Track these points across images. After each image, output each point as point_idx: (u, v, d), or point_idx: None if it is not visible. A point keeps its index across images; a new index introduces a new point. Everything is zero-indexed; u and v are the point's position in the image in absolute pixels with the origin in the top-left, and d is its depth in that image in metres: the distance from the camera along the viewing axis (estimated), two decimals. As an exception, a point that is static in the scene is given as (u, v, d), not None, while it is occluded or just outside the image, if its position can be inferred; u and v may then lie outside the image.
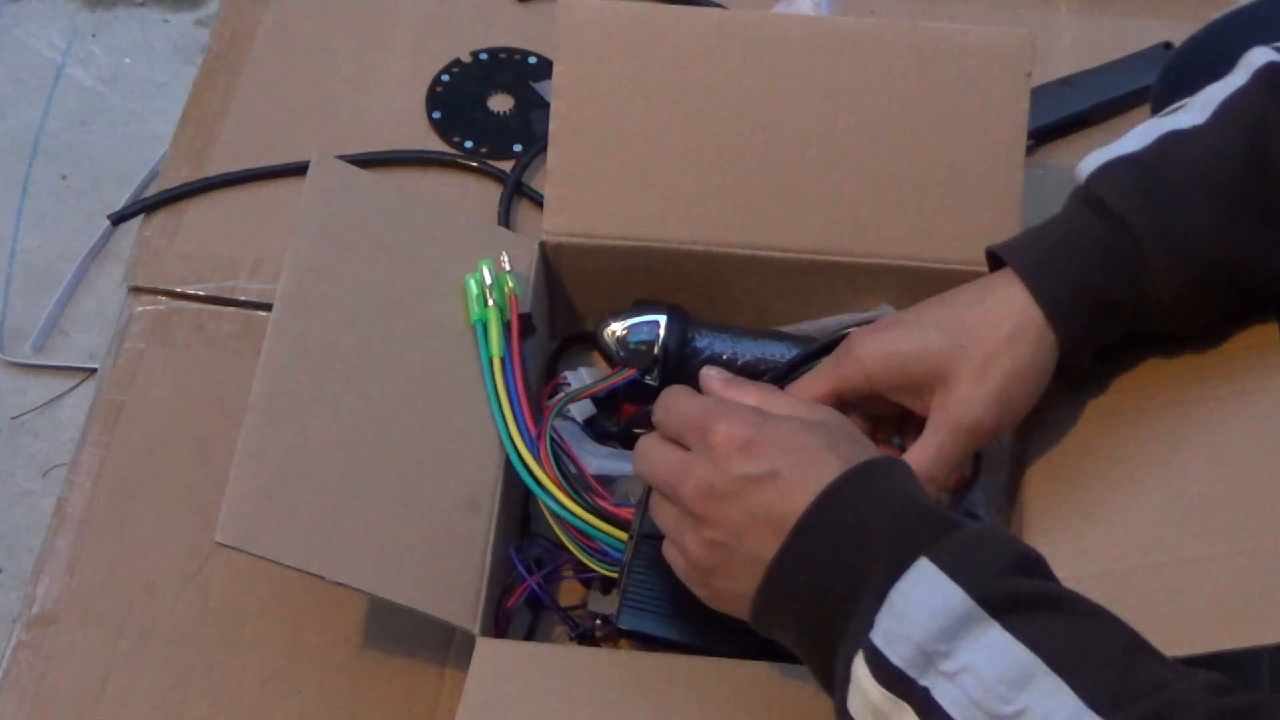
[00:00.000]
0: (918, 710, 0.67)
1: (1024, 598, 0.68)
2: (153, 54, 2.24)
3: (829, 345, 0.97)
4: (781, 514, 0.73)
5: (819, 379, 0.88)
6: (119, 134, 2.14)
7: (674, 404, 0.79)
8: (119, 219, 1.19)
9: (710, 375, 0.83)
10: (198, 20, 2.27)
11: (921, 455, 0.85)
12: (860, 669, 0.69)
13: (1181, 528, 0.82)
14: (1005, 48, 0.99)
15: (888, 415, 0.89)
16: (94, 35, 2.26)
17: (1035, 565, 0.71)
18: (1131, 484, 0.86)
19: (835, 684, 0.71)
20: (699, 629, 0.85)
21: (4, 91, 2.19)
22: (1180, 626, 0.77)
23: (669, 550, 0.80)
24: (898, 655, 0.68)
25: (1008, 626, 0.67)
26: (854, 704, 0.70)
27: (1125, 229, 0.84)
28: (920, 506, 0.72)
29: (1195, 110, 0.87)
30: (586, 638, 0.91)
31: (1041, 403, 0.90)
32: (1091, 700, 0.65)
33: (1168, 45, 1.18)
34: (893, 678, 0.68)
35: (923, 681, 0.67)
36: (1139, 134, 0.88)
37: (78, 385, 1.92)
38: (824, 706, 0.80)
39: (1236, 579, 0.78)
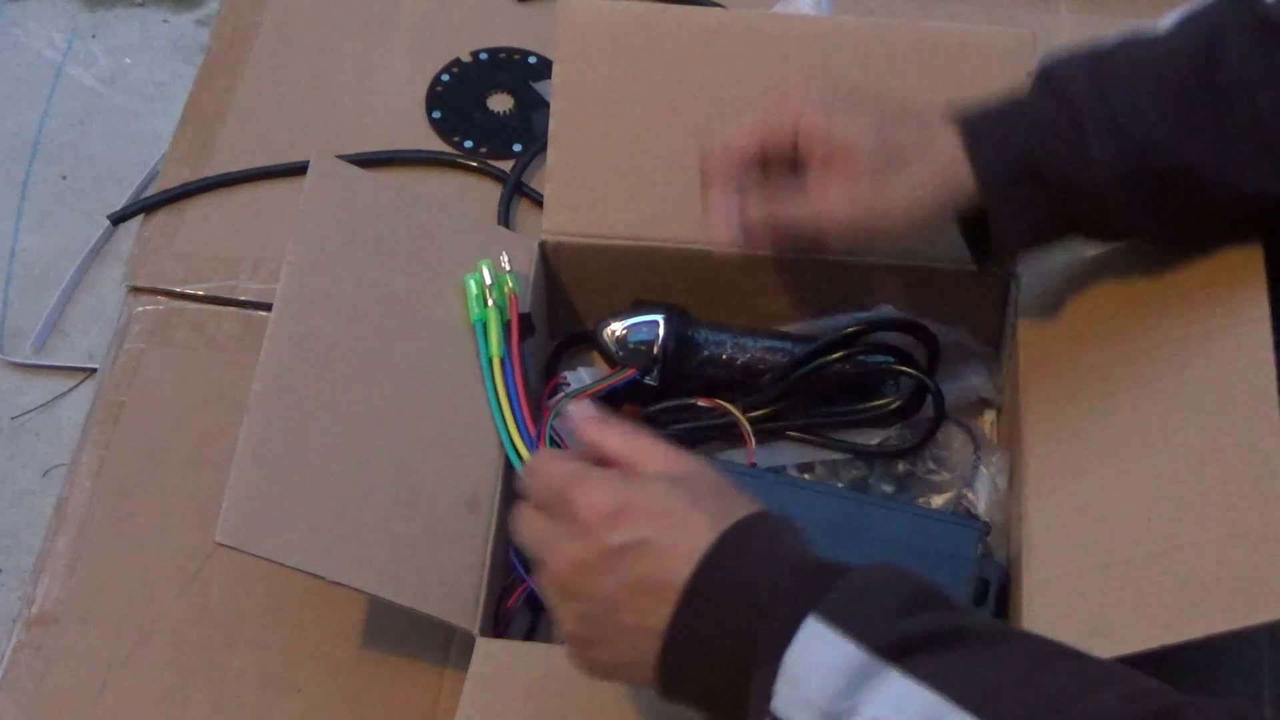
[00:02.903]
0: None
1: (918, 638, 0.65)
2: (153, 54, 2.24)
3: (829, 345, 0.97)
4: (659, 581, 0.69)
5: (753, 119, 0.87)
6: (119, 134, 2.14)
7: (538, 470, 0.75)
8: (119, 219, 1.19)
9: (573, 413, 0.78)
10: (198, 20, 2.27)
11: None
12: None
13: (1174, 516, 0.82)
14: (1005, 48, 0.99)
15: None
16: (94, 35, 2.26)
17: (927, 599, 0.68)
18: (1125, 473, 0.86)
19: None
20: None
21: (4, 91, 2.20)
22: (1178, 614, 0.78)
23: (556, 627, 0.76)
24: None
25: (907, 671, 0.64)
26: None
27: (1064, 98, 0.84)
28: (799, 560, 0.69)
29: (1164, 22, 0.88)
30: (586, 638, 0.91)
31: (1038, 397, 0.90)
32: None
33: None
34: None
35: None
36: (1107, 38, 0.88)
37: (78, 385, 1.92)
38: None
39: (1228, 563, 0.79)
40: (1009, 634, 0.67)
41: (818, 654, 0.65)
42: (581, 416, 0.77)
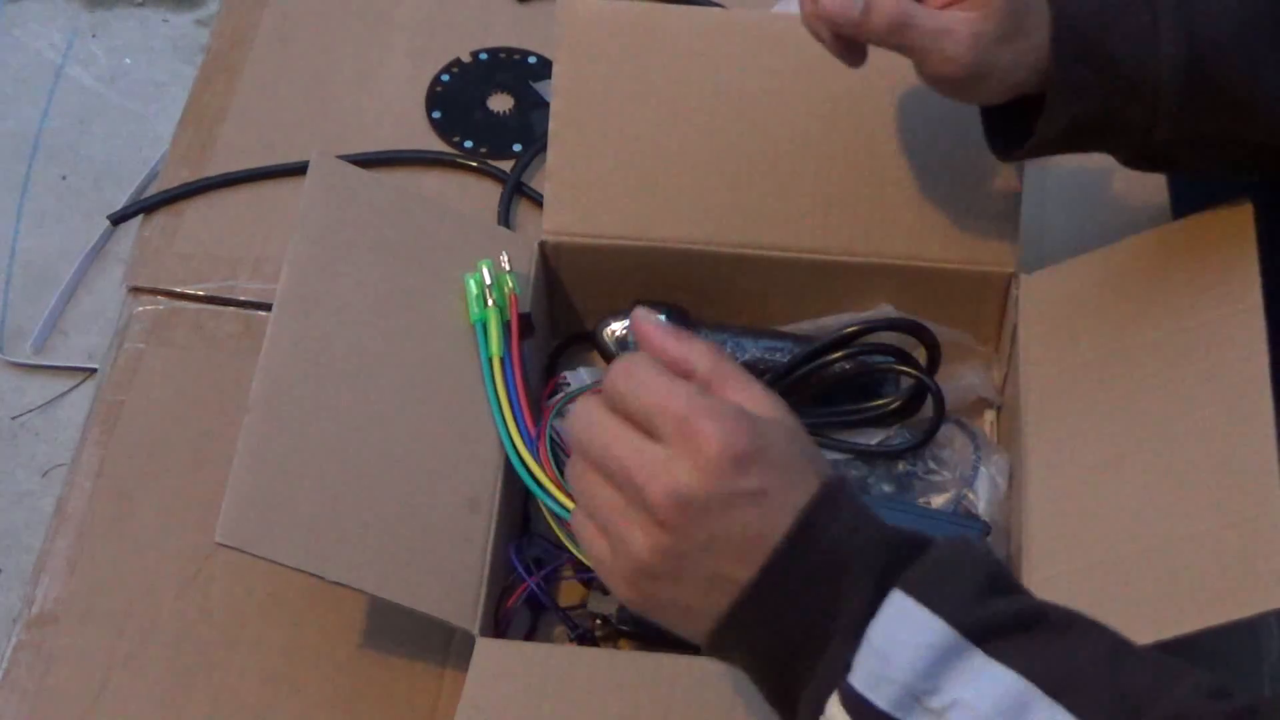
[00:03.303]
0: None
1: (1004, 620, 0.64)
2: (153, 54, 2.24)
3: (829, 345, 0.97)
4: (757, 535, 0.66)
5: None
6: (119, 134, 2.14)
7: (644, 381, 0.68)
8: (119, 219, 1.19)
9: (644, 320, 0.72)
10: (198, 20, 2.27)
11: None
12: (836, 712, 0.64)
13: (1171, 507, 0.82)
14: (1005, 48, 0.99)
15: None
16: (94, 35, 2.26)
17: (1006, 579, 0.67)
18: (1124, 470, 0.86)
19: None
20: (699, 629, 0.85)
21: (4, 91, 2.20)
22: (1178, 606, 0.78)
23: (586, 528, 0.70)
24: (884, 698, 0.63)
25: (993, 654, 0.63)
26: None
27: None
28: (885, 530, 0.67)
29: None
30: (586, 638, 0.91)
31: (1038, 397, 0.90)
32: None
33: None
34: None
35: None
36: None
37: (78, 385, 1.92)
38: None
39: (1225, 553, 0.79)
40: (1084, 621, 0.66)
41: (904, 630, 0.64)
42: (650, 323, 0.71)
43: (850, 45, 0.88)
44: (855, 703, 0.64)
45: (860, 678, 0.64)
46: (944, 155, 0.98)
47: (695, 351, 0.70)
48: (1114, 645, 0.65)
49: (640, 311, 0.72)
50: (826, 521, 0.66)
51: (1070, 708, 0.62)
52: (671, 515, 0.66)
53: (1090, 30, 0.84)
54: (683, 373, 0.69)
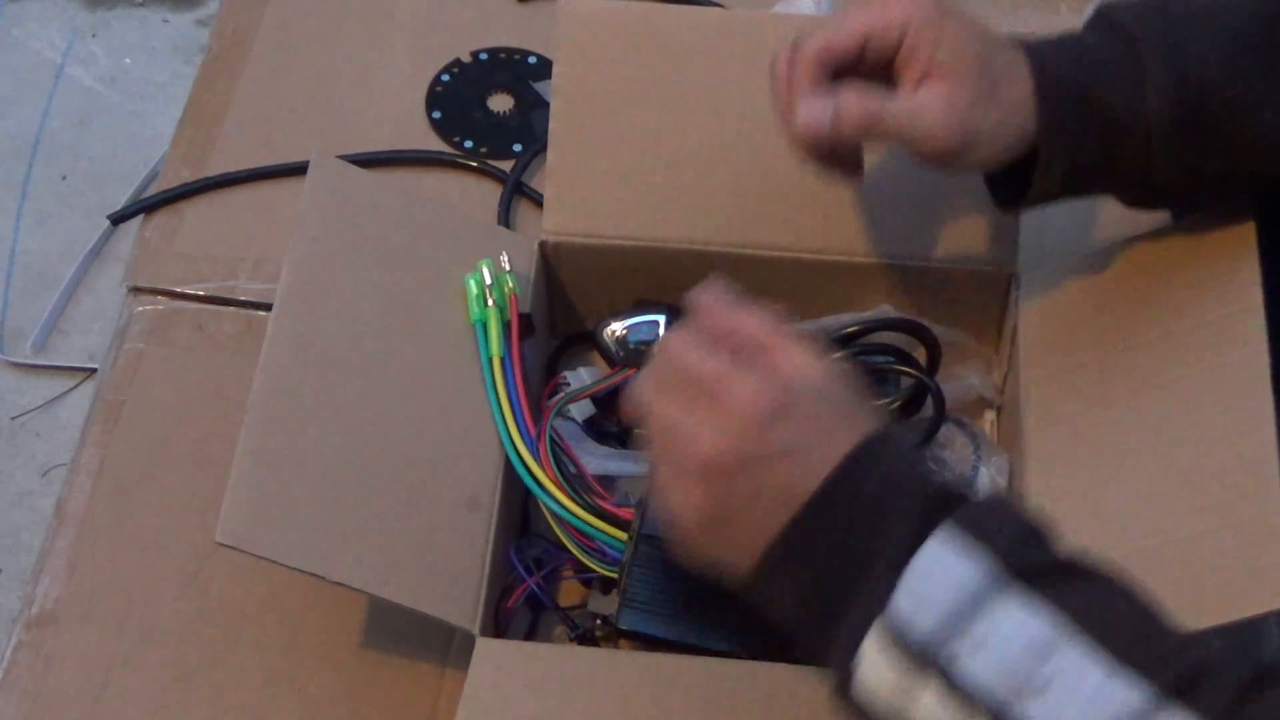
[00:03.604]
0: (941, 684, 0.65)
1: (1044, 564, 0.67)
2: (153, 54, 2.24)
3: (829, 345, 0.97)
4: (797, 487, 0.70)
5: (861, 15, 0.84)
6: (119, 134, 2.14)
7: (685, 354, 0.74)
8: (119, 219, 1.19)
9: (708, 292, 0.77)
10: (198, 20, 2.27)
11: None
12: (873, 646, 0.67)
13: (1171, 508, 0.82)
14: (1005, 48, 0.99)
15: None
16: (94, 35, 2.26)
17: (1049, 531, 0.70)
18: (1124, 470, 0.86)
19: (836, 661, 0.69)
20: (699, 629, 0.85)
21: (4, 91, 2.20)
22: (1177, 606, 0.77)
23: (653, 495, 0.75)
24: (919, 629, 0.66)
25: (1030, 593, 0.66)
26: (864, 681, 0.67)
27: (1129, 39, 0.84)
28: (931, 478, 0.70)
29: None
30: (586, 638, 0.91)
31: (1038, 397, 0.90)
32: (1120, 663, 0.64)
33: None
34: (913, 653, 0.66)
35: (945, 654, 0.65)
36: None
37: (78, 385, 1.92)
38: (823, 706, 0.80)
39: (1225, 553, 0.79)
40: (1123, 578, 0.68)
41: (945, 566, 0.66)
42: (714, 296, 0.76)
43: (840, 159, 0.88)
44: (892, 635, 0.66)
45: (898, 610, 0.66)
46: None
47: (747, 321, 0.75)
48: (1150, 603, 0.67)
49: (707, 286, 0.77)
50: (866, 471, 0.69)
51: (1101, 646, 0.64)
52: (710, 474, 0.71)
53: (1074, 79, 0.84)
54: (735, 342, 0.74)
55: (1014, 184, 0.88)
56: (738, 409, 0.71)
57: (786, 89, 0.84)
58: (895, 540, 0.68)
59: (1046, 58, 0.85)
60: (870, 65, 0.84)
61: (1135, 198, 0.90)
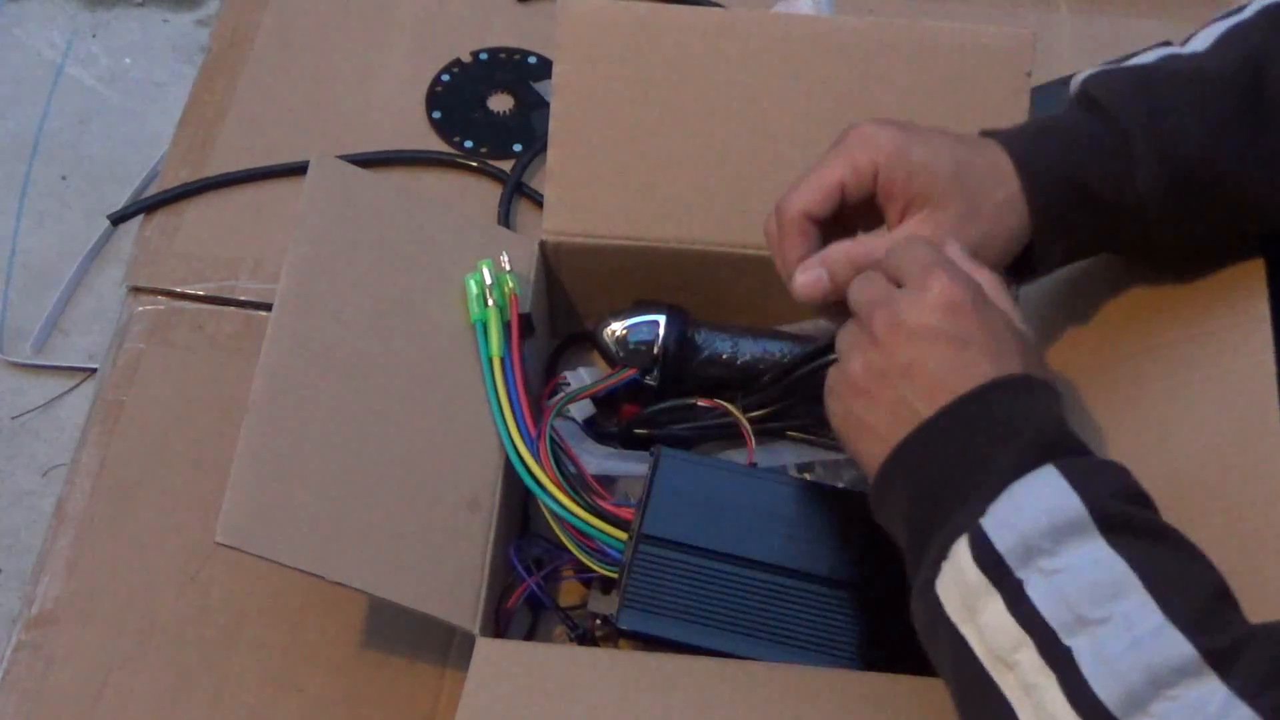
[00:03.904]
0: (1007, 598, 0.70)
1: (1133, 521, 0.71)
2: (153, 54, 2.24)
3: (829, 345, 0.97)
4: (949, 380, 0.76)
5: (832, 165, 0.86)
6: (119, 134, 2.15)
7: (912, 245, 0.81)
8: (119, 219, 1.19)
9: (953, 244, 0.82)
10: (198, 20, 2.27)
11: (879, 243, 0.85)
12: (962, 549, 0.71)
13: (1173, 514, 0.82)
14: (1005, 48, 0.99)
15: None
16: (94, 35, 2.26)
17: (1149, 501, 0.74)
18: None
19: (925, 561, 0.73)
20: (699, 629, 0.85)
21: (4, 91, 2.20)
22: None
23: (831, 371, 0.82)
24: (1003, 542, 0.70)
25: (1112, 542, 0.70)
26: (944, 581, 0.72)
27: (1112, 121, 0.85)
28: (1062, 426, 0.75)
29: (1198, 41, 0.89)
30: (586, 638, 0.91)
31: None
32: (1176, 621, 0.67)
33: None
34: (992, 563, 0.70)
35: (1019, 573, 0.70)
36: (1141, 55, 0.90)
37: (78, 385, 1.92)
38: (823, 706, 0.80)
39: (1229, 563, 0.79)
40: (1207, 559, 0.72)
41: (1043, 494, 0.71)
42: (959, 250, 0.82)
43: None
44: (979, 542, 0.71)
45: (990, 522, 0.71)
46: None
47: (977, 270, 0.81)
48: (1224, 586, 0.71)
49: (956, 245, 0.83)
50: (1013, 396, 0.76)
51: (1160, 604, 0.68)
52: (884, 334, 0.78)
53: (1062, 171, 0.85)
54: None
55: (1018, 262, 0.88)
56: (934, 291, 0.78)
57: (778, 254, 0.87)
58: (1005, 466, 0.73)
59: (1030, 152, 0.86)
60: (854, 208, 0.86)
61: (1140, 259, 0.91)
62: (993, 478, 0.73)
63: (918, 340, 0.77)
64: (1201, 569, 0.71)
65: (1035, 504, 0.71)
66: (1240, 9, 0.89)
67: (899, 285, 0.80)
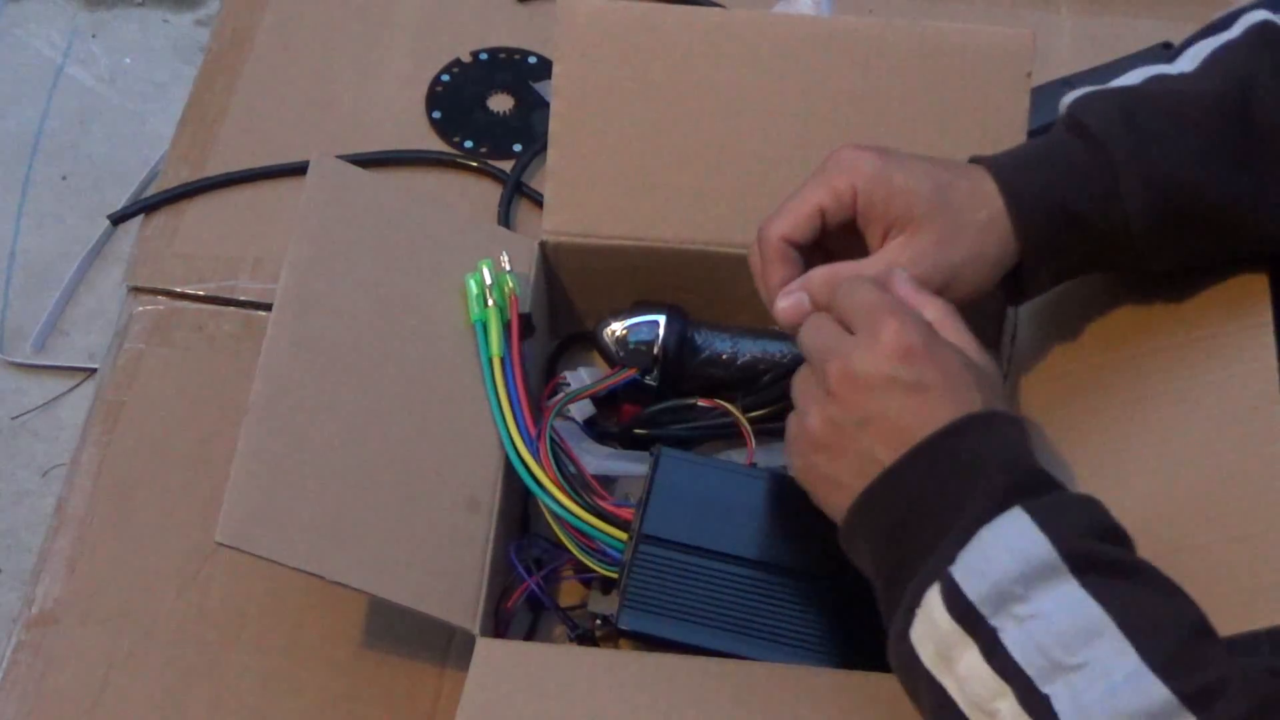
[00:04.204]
0: (983, 647, 0.70)
1: (1105, 560, 0.71)
2: (153, 54, 2.24)
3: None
4: (910, 427, 0.76)
5: (812, 190, 0.86)
6: (119, 134, 2.15)
7: (856, 288, 0.81)
8: (119, 219, 1.19)
9: (900, 277, 0.82)
10: (198, 20, 2.27)
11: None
12: (934, 599, 0.71)
13: (1175, 519, 0.82)
14: (1005, 48, 0.99)
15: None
16: (94, 35, 2.26)
17: (1121, 536, 0.73)
18: (1125, 476, 0.86)
19: (899, 611, 0.73)
20: (699, 629, 0.85)
21: (4, 91, 2.20)
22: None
23: (790, 420, 0.81)
24: (974, 590, 0.70)
25: (1085, 584, 0.69)
26: (918, 631, 0.72)
27: (1099, 146, 0.85)
28: (1029, 463, 0.75)
29: (1186, 60, 0.89)
30: (586, 638, 0.91)
31: (1038, 399, 0.90)
32: (1152, 663, 0.67)
33: (1167, 45, 1.17)
34: (964, 611, 0.70)
35: (992, 621, 0.70)
36: (1128, 76, 0.89)
37: (78, 385, 1.92)
38: (823, 706, 0.80)
39: (1230, 565, 0.79)
40: (1182, 593, 0.71)
41: (1012, 538, 0.71)
42: (904, 281, 0.82)
43: None
44: (951, 591, 0.71)
45: (961, 570, 0.71)
46: (944, 155, 0.98)
47: (926, 303, 0.81)
48: (1200, 621, 0.70)
49: (901, 272, 0.82)
50: (976, 436, 0.75)
51: (1136, 646, 0.68)
52: (839, 388, 0.78)
53: (1048, 195, 0.85)
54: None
55: (1009, 283, 0.88)
56: (884, 337, 0.77)
57: (761, 280, 0.87)
58: (972, 510, 0.72)
59: (1015, 174, 0.86)
60: (836, 232, 0.87)
61: (1135, 276, 0.91)
62: (960, 523, 0.72)
63: (874, 391, 0.77)
64: (1178, 605, 0.71)
65: (1004, 549, 0.71)
66: (1229, 22, 0.89)
67: (849, 329, 0.80)
